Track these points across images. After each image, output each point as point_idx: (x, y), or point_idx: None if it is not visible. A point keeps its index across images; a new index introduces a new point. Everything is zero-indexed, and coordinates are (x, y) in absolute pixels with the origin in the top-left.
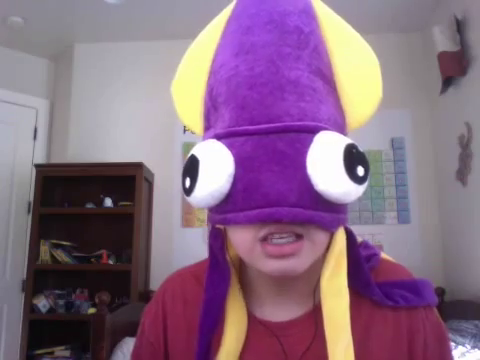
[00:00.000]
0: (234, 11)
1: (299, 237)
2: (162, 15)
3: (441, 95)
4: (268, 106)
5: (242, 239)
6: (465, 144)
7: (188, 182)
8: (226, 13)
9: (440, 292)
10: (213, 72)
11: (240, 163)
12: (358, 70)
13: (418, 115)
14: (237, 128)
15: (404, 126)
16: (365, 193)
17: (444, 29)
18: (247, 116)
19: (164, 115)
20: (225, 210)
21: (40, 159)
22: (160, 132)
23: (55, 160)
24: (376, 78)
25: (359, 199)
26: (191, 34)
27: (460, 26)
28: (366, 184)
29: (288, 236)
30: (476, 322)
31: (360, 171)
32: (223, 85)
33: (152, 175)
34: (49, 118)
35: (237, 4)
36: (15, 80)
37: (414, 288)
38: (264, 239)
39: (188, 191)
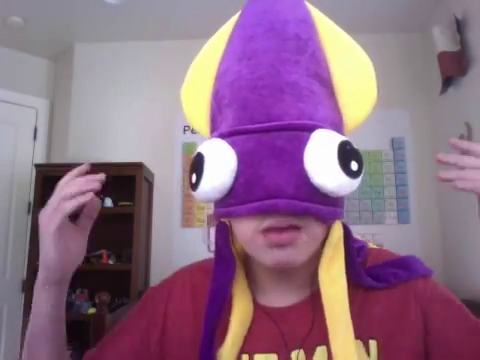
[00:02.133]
0: (238, 21)
1: (297, 229)
2: (162, 15)
3: (441, 95)
4: (268, 106)
5: (245, 230)
6: None
7: (194, 178)
8: (231, 22)
9: None
10: (218, 77)
11: (242, 159)
12: (353, 74)
13: (418, 115)
14: (239, 127)
15: (404, 126)
16: (365, 193)
17: (444, 29)
18: (249, 116)
19: (164, 115)
20: (228, 203)
21: (40, 159)
22: (160, 132)
23: (55, 160)
24: (371, 81)
25: (359, 199)
26: (191, 34)
27: (460, 26)
28: (360, 178)
29: (287, 228)
30: None
31: (354, 166)
32: (227, 88)
33: (152, 175)
34: (49, 118)
35: (241, 15)
36: (15, 80)
37: (403, 264)
38: (265, 231)
39: (194, 186)
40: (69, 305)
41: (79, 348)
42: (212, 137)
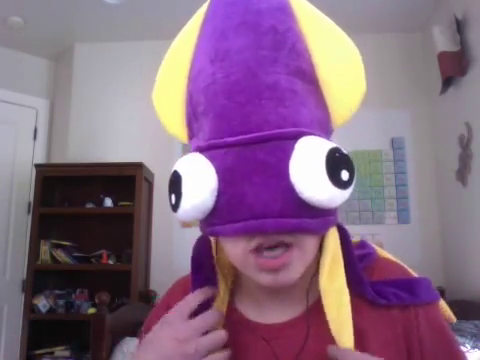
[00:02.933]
0: (207, 13)
1: (289, 246)
2: (162, 15)
3: (441, 95)
4: (246, 115)
5: (234, 251)
6: (465, 144)
7: (173, 198)
8: (200, 15)
9: (440, 292)
10: (191, 79)
11: (222, 176)
12: (340, 64)
13: (418, 115)
14: (217, 141)
15: (404, 126)
16: (365, 193)
17: (444, 29)
18: (226, 127)
19: None
20: (212, 223)
21: (40, 159)
22: (160, 132)
23: (55, 160)
24: (359, 70)
25: (359, 199)
26: None
27: (460, 26)
28: (352, 187)
29: (278, 245)
30: (476, 322)
31: (344, 175)
32: (201, 94)
33: (152, 175)
34: (49, 118)
35: (210, 5)
36: (15, 80)
37: (408, 287)
38: (255, 250)
39: (174, 207)
40: (69, 305)
41: (79, 348)
42: (191, 145)
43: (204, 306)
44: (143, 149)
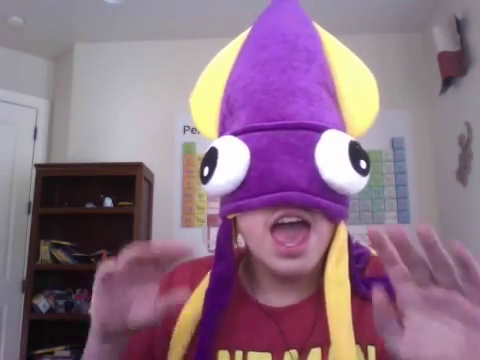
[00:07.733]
0: (251, 33)
1: (306, 226)
2: (162, 15)
3: (441, 95)
4: (282, 107)
5: (254, 226)
6: (465, 144)
7: (206, 170)
8: (243, 35)
9: None
10: (230, 83)
11: (255, 154)
12: (358, 88)
13: (418, 115)
14: (254, 124)
15: (404, 126)
16: (365, 193)
17: (444, 29)
18: (263, 115)
19: (164, 115)
20: (239, 197)
21: (40, 159)
22: (160, 132)
23: (55, 160)
24: (374, 95)
25: (359, 199)
26: (191, 34)
27: (460, 26)
28: (367, 178)
29: (297, 222)
30: None
31: (363, 164)
32: (240, 93)
33: (152, 175)
34: (49, 118)
35: (253, 29)
36: (15, 80)
37: None
38: (275, 227)
39: (206, 179)
40: (69, 305)
41: (79, 348)
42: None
43: (221, 293)
44: (143, 149)
